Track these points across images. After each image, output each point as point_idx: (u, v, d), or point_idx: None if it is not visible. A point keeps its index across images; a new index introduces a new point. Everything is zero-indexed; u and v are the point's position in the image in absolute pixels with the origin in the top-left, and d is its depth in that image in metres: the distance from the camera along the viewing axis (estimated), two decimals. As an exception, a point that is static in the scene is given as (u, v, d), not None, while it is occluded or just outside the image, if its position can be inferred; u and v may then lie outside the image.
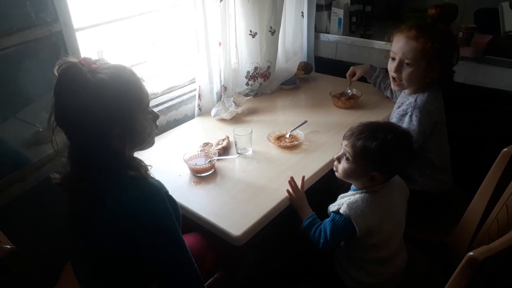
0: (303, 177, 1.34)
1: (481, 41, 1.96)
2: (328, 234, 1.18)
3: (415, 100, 1.46)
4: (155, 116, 1.04)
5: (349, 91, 1.94)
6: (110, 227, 0.91)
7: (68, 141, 0.92)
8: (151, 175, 1.01)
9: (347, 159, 1.17)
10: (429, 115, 1.43)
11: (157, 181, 1.02)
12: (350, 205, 1.15)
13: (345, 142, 1.18)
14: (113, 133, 0.90)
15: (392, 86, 1.58)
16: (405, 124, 1.45)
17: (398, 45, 1.46)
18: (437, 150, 1.52)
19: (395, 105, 1.61)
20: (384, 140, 1.11)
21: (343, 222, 1.16)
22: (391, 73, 1.52)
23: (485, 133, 2.03)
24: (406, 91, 1.56)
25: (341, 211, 1.16)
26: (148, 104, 1.00)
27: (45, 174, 1.35)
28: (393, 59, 1.49)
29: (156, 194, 0.94)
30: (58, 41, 1.32)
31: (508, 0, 1.94)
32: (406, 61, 1.45)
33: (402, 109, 1.49)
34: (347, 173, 1.19)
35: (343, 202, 1.18)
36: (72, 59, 0.90)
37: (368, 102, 1.91)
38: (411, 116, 1.44)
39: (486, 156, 1.36)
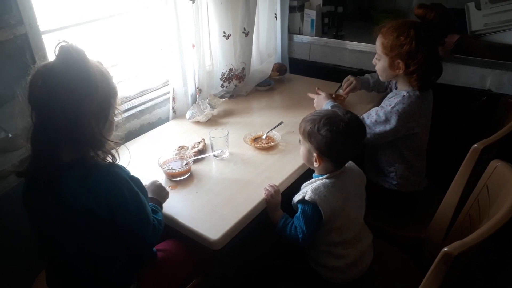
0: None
1: (449, 40, 2.00)
2: (303, 226, 1.20)
3: (403, 97, 1.48)
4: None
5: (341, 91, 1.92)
6: (89, 218, 0.95)
7: (34, 121, 0.93)
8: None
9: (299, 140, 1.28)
10: (410, 116, 1.46)
11: (117, 166, 1.03)
12: (314, 191, 1.19)
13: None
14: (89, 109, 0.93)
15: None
16: (381, 114, 1.47)
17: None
18: (416, 151, 1.56)
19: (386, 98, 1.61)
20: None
21: (312, 209, 1.19)
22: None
23: (455, 131, 2.08)
24: (398, 86, 1.59)
25: (307, 197, 1.18)
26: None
27: (12, 183, 1.29)
28: None
29: (124, 181, 0.99)
30: (24, 44, 1.27)
31: (474, 1, 2.00)
32: (376, 55, 1.55)
33: (389, 102, 1.51)
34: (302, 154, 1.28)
35: (306, 190, 1.21)
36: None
37: (346, 101, 1.92)
38: (393, 108, 1.46)
39: (457, 153, 1.39)
